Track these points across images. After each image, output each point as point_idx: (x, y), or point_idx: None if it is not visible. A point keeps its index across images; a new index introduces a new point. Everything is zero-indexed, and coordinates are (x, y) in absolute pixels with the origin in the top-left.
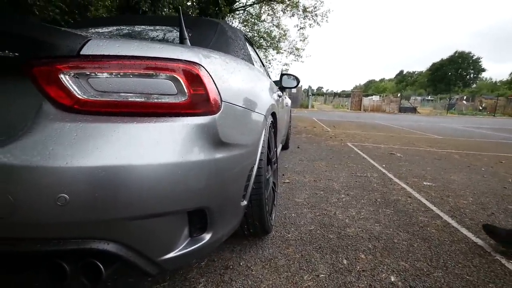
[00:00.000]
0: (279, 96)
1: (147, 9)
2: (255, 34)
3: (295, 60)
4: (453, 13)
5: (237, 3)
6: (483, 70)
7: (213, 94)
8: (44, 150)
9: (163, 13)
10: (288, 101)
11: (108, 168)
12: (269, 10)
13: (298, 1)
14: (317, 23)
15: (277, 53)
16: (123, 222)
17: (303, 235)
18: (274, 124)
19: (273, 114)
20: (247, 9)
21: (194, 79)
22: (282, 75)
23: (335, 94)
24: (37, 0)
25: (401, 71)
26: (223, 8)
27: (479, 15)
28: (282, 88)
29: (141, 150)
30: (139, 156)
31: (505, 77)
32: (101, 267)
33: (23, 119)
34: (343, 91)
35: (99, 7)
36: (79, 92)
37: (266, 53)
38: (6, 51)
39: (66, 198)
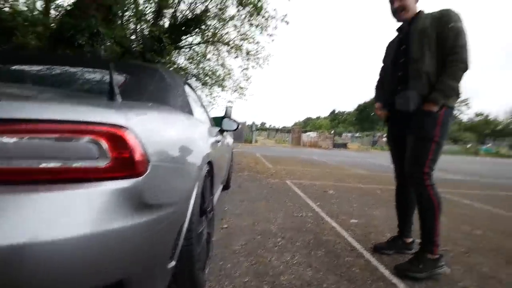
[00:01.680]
0: (217, 141)
1: (84, 43)
2: (201, 72)
3: (239, 98)
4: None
5: (184, 41)
6: (455, 117)
7: (139, 157)
8: None
9: (103, 47)
10: (230, 140)
11: (11, 248)
12: (214, 50)
13: (241, 45)
14: (259, 65)
15: (222, 90)
16: None
17: None
18: (210, 172)
19: (210, 163)
20: (193, 47)
21: (119, 142)
22: (223, 117)
23: (277, 130)
24: None
25: (334, 110)
26: (167, 46)
27: None
28: (222, 131)
29: (52, 223)
30: (49, 230)
31: None
32: None
33: None
34: (284, 127)
35: (28, 33)
36: None
37: (211, 90)
38: None
39: None
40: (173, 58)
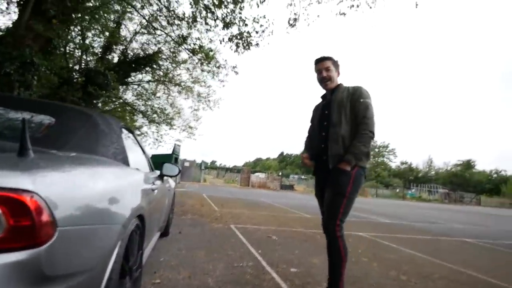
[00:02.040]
0: (153, 190)
1: (11, 71)
2: (149, 109)
3: (188, 137)
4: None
5: (132, 78)
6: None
7: (43, 223)
8: None
9: (35, 77)
10: (172, 184)
11: None
12: (165, 89)
13: (193, 87)
14: (210, 107)
15: (170, 128)
16: None
17: None
18: (140, 226)
19: (140, 216)
20: (142, 84)
21: (18, 209)
22: (163, 163)
23: (227, 169)
24: None
25: (282, 152)
26: (112, 83)
27: None
28: (162, 176)
29: None
30: None
31: None
32: None
33: None
34: (234, 166)
35: None
36: None
37: (158, 127)
38: None
39: None
40: (120, 93)
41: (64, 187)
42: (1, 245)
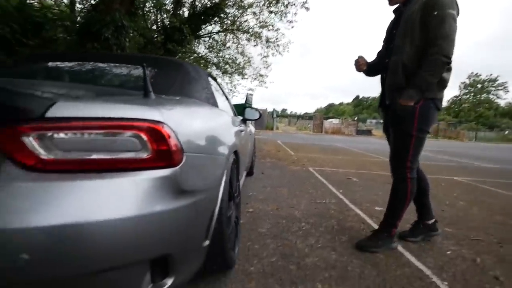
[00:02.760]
0: (241, 131)
1: (109, 36)
2: (221, 60)
3: (259, 86)
4: None
5: (203, 30)
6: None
7: (175, 148)
8: (4, 210)
9: (127, 39)
10: (252, 129)
11: (70, 226)
12: (233, 38)
13: (261, 32)
14: (279, 52)
15: (242, 78)
16: (87, 277)
17: (265, 267)
18: (236, 161)
19: (235, 152)
20: (212, 36)
21: (157, 136)
22: (244, 107)
23: (299, 117)
24: None
25: (357, 96)
26: (188, 36)
27: None
28: (245, 120)
29: (104, 205)
30: (102, 211)
31: (445, 103)
32: None
33: None
34: (305, 113)
35: (56, 27)
36: (42, 152)
37: (231, 78)
38: None
39: (27, 258)
40: (194, 47)
41: (183, 121)
42: (150, 164)
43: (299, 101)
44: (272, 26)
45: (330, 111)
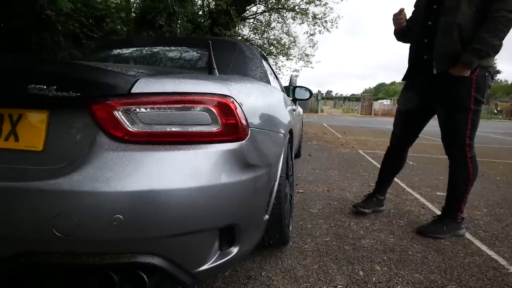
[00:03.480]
0: (293, 110)
1: (163, 23)
2: (265, 42)
3: (305, 66)
4: None
5: (247, 12)
6: (498, 72)
7: (242, 122)
8: (101, 176)
9: (178, 25)
10: (300, 110)
11: (154, 192)
12: (278, 18)
13: (307, 8)
14: (327, 29)
15: (287, 59)
16: (165, 238)
17: (320, 246)
18: (291, 140)
19: (290, 131)
20: (257, 17)
21: (226, 110)
22: (295, 87)
23: (345, 98)
24: (60, 17)
25: None
26: (234, 18)
27: None
28: (294, 100)
29: (181, 174)
30: (180, 180)
31: None
32: (145, 278)
33: (82, 148)
34: (352, 94)
35: (116, 19)
36: (129, 125)
37: (276, 59)
38: (70, 92)
39: (120, 218)
40: (238, 30)
41: (248, 97)
42: (221, 137)
43: (345, 83)
44: (320, 0)
45: (380, 91)
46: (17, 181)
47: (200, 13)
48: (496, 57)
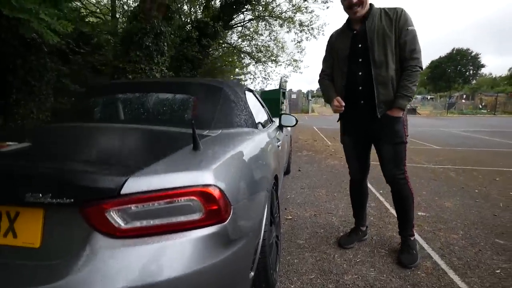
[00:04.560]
0: (278, 146)
1: (150, 44)
2: (254, 49)
3: (294, 71)
4: (451, 5)
5: (235, 19)
6: (483, 66)
7: (224, 206)
8: (94, 276)
9: (165, 44)
10: (288, 129)
11: (146, 286)
12: (266, 25)
13: (294, 16)
14: (314, 36)
15: (275, 66)
16: None
17: (305, 285)
18: (276, 183)
19: (275, 177)
20: (245, 24)
21: (209, 198)
22: (281, 115)
23: None
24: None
25: None
26: (222, 33)
27: (479, 6)
28: (281, 127)
29: (170, 263)
30: (169, 269)
31: (505, 72)
32: None
33: (76, 246)
34: None
35: (101, 35)
36: (120, 223)
37: (265, 66)
38: (64, 198)
39: None
40: (227, 39)
41: (231, 175)
42: (203, 223)
43: None
44: (306, 8)
45: None
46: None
47: (189, 21)
48: (481, 50)
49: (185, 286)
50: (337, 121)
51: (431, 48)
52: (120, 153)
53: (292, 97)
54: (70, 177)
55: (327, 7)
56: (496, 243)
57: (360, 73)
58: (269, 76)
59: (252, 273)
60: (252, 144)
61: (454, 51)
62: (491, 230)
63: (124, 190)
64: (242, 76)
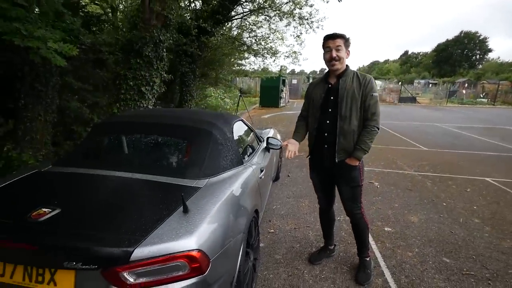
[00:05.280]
0: (262, 170)
1: (149, 53)
2: (253, 41)
3: (293, 63)
4: None
5: (235, 11)
6: (490, 50)
7: (204, 263)
8: None
9: (164, 50)
10: (278, 137)
11: None
12: (266, 17)
13: (293, 9)
14: (313, 30)
15: (274, 60)
16: None
17: None
18: (257, 212)
19: (256, 211)
20: (244, 17)
21: (193, 259)
22: (268, 138)
23: None
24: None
25: (406, 52)
26: (215, 34)
27: None
28: (268, 149)
29: None
30: None
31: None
32: None
33: None
34: None
35: (103, 44)
36: (129, 279)
37: (264, 59)
38: (90, 265)
39: None
40: (225, 31)
41: (212, 233)
42: (188, 275)
43: None
44: (306, 1)
45: (373, 69)
46: None
47: (188, 16)
48: (491, 33)
49: None
50: (307, 157)
51: (439, 31)
52: (127, 217)
53: (292, 82)
54: (94, 252)
55: (327, 1)
56: (442, 261)
57: (327, 122)
58: (267, 68)
59: None
60: (234, 190)
61: (462, 34)
62: (443, 248)
63: (132, 258)
64: (242, 67)
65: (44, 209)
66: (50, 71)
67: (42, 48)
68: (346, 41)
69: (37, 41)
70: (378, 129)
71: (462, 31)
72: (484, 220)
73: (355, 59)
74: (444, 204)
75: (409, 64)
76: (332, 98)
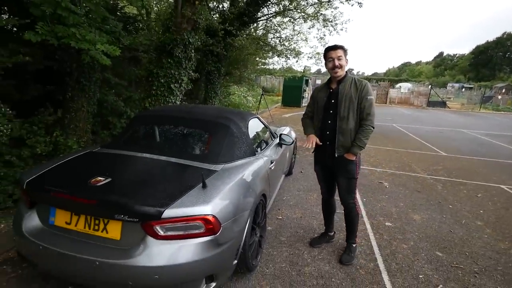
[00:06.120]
0: (272, 162)
1: (179, 54)
2: (277, 42)
3: (315, 64)
4: None
5: (261, 12)
6: None
7: (216, 225)
8: (147, 256)
9: (192, 51)
10: (292, 135)
11: (171, 264)
12: (290, 19)
13: (318, 11)
14: (337, 32)
15: (296, 61)
16: (179, 284)
17: (276, 271)
18: (265, 196)
19: (263, 195)
20: (269, 18)
21: (208, 222)
22: (281, 134)
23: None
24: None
25: (441, 53)
26: (239, 36)
27: None
28: (281, 144)
29: (185, 254)
30: (184, 256)
31: None
32: None
33: (138, 241)
34: (374, 73)
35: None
36: (160, 232)
37: (287, 60)
38: (133, 218)
39: (157, 277)
40: (251, 31)
41: (224, 205)
42: (203, 234)
43: (368, 60)
44: (330, 3)
45: (404, 71)
46: (106, 258)
47: (216, 17)
48: None
49: (192, 267)
50: (311, 152)
51: (478, 33)
52: (160, 188)
53: (316, 82)
54: (137, 209)
55: (351, 5)
56: (435, 255)
57: (329, 122)
58: (290, 68)
59: (236, 261)
60: (245, 175)
61: (505, 36)
62: (438, 243)
63: (163, 216)
64: (266, 66)
65: (99, 178)
66: (93, 68)
67: (91, 49)
68: (345, 51)
69: (88, 43)
70: (373, 128)
71: (505, 32)
72: (487, 223)
73: (384, 61)
74: (450, 206)
75: (443, 66)
76: (333, 101)
